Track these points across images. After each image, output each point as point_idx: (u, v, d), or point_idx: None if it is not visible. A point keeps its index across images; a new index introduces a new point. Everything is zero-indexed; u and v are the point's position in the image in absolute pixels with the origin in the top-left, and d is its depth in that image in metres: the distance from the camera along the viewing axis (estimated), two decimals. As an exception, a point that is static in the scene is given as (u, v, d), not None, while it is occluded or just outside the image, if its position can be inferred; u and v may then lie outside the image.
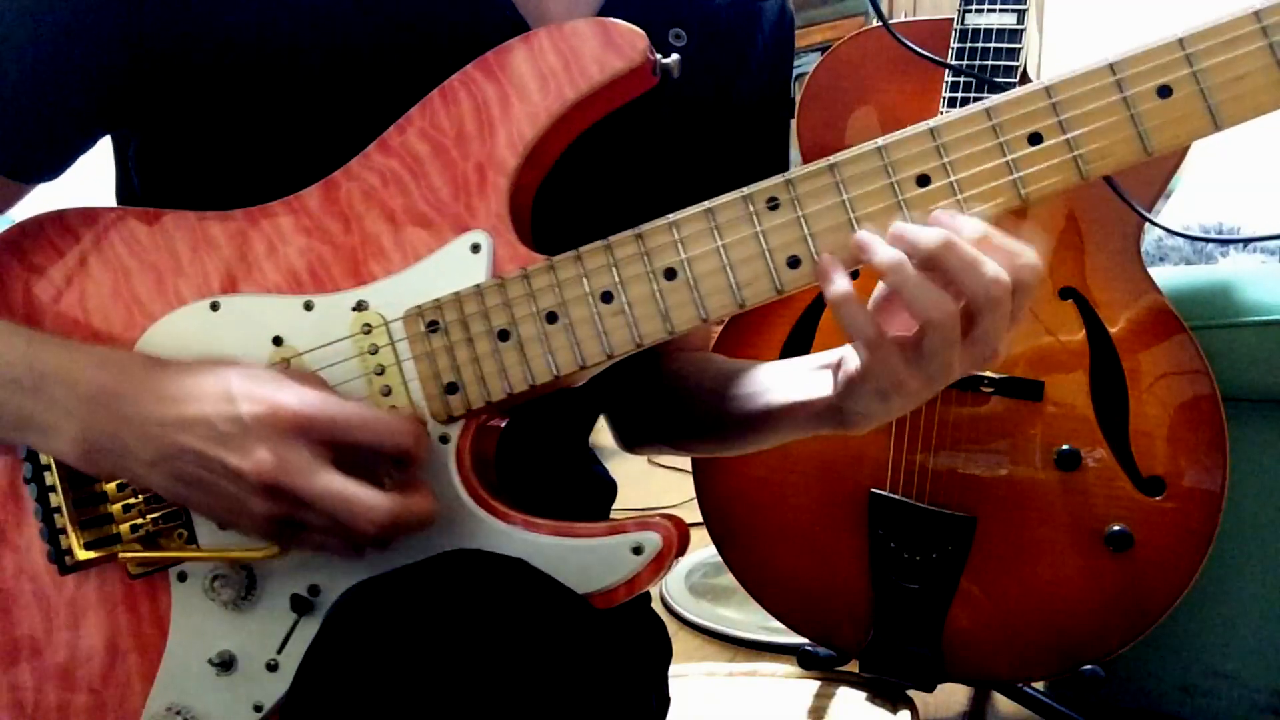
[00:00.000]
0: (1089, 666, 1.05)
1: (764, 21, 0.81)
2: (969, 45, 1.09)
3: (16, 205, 0.71)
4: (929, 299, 0.54)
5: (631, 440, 0.93)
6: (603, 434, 0.94)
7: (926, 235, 0.54)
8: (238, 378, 0.57)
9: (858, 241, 0.56)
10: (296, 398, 0.56)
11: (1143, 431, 1.02)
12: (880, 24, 0.92)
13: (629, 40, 0.60)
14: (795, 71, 0.87)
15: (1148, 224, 1.06)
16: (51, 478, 0.64)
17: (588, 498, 0.90)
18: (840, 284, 0.56)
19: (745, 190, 0.58)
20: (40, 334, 0.64)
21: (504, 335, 0.60)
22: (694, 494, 1.22)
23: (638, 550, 0.58)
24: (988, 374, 1.07)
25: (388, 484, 0.58)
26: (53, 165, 0.68)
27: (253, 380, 0.57)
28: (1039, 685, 1.25)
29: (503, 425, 0.66)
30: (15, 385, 0.60)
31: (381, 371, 0.62)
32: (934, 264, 0.54)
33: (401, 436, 0.57)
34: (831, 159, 0.57)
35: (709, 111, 0.79)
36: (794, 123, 1.23)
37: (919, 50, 0.87)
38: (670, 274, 0.58)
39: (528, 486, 0.66)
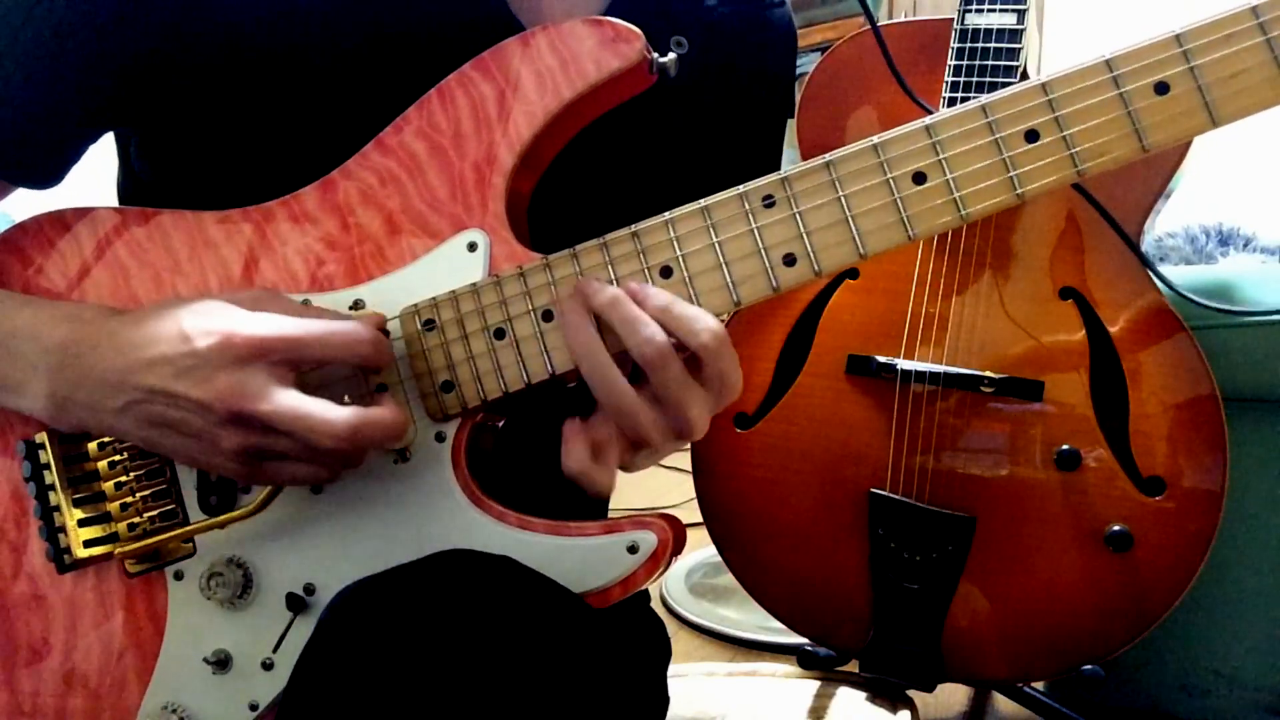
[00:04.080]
0: (1089, 666, 1.04)
1: (768, 33, 0.81)
2: (969, 45, 1.09)
3: (17, 204, 0.71)
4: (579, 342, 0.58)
5: None
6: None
7: (598, 293, 0.57)
8: (189, 314, 0.58)
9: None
10: (249, 324, 0.56)
11: (1143, 431, 1.02)
12: (875, 26, 0.91)
13: (626, 39, 0.60)
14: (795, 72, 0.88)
15: (1148, 224, 1.06)
16: (51, 476, 0.64)
17: (584, 496, 0.90)
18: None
19: (741, 188, 0.58)
20: (6, 292, 0.64)
21: (500, 334, 0.60)
22: (694, 494, 1.22)
23: (633, 549, 0.58)
24: (988, 374, 1.06)
25: (353, 399, 0.58)
26: (50, 167, 0.68)
27: (205, 314, 0.57)
28: (1039, 685, 1.25)
29: (500, 424, 0.66)
30: None
31: (377, 370, 0.62)
32: (602, 319, 0.57)
33: (358, 348, 0.57)
34: (827, 156, 0.57)
35: (708, 117, 0.79)
36: (794, 123, 1.23)
37: (907, 87, 0.87)
38: (666, 272, 0.58)
39: (523, 484, 0.66)
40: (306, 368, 0.58)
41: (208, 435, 0.56)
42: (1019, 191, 0.55)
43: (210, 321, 0.57)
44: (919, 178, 0.56)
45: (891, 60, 0.88)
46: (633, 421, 0.57)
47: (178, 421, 0.57)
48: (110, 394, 0.58)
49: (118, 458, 0.64)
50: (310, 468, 0.57)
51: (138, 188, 0.74)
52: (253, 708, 0.62)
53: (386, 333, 0.61)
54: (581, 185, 0.72)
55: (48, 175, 0.69)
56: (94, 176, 0.80)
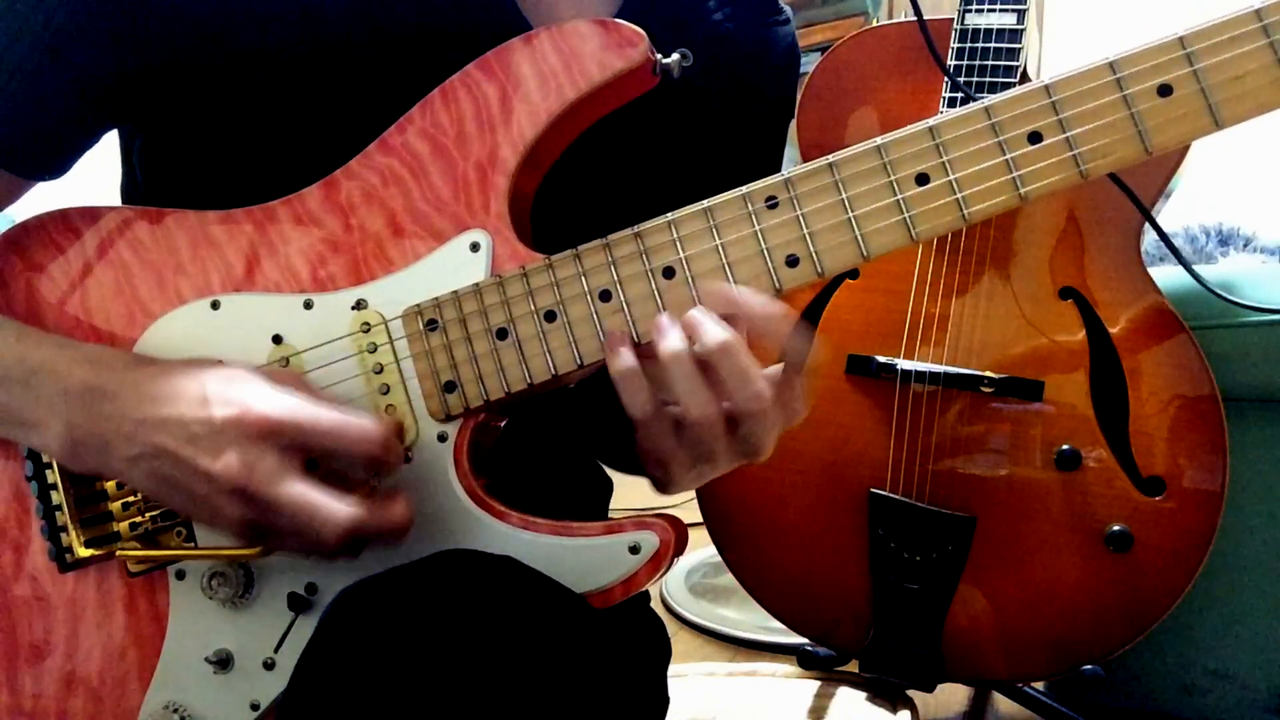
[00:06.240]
0: (1089, 666, 1.05)
1: (772, 50, 0.81)
2: (969, 45, 1.09)
3: (18, 203, 0.71)
4: (694, 398, 0.56)
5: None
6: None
7: (711, 334, 0.55)
8: (214, 379, 0.57)
9: (658, 323, 0.57)
10: (267, 402, 0.56)
11: (1143, 431, 1.02)
12: (921, 17, 0.90)
13: (629, 40, 0.60)
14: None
15: (1148, 223, 1.06)
16: (53, 475, 0.64)
17: (585, 496, 0.90)
18: (625, 359, 0.57)
19: (744, 189, 0.58)
20: (30, 329, 0.64)
21: (502, 334, 0.60)
22: (694, 494, 1.22)
23: (635, 550, 0.58)
24: (988, 374, 1.06)
25: (364, 491, 0.57)
26: (56, 161, 0.69)
27: (228, 383, 0.57)
28: (1039, 685, 1.25)
29: (502, 425, 0.66)
30: (5, 379, 0.61)
31: (380, 370, 0.62)
32: (707, 363, 0.56)
33: (369, 445, 0.56)
34: (830, 158, 0.57)
35: (710, 125, 0.79)
36: (794, 123, 1.23)
37: (954, 78, 0.87)
38: (669, 272, 0.58)
39: (525, 484, 0.66)
40: (316, 454, 0.57)
41: (211, 502, 0.56)
42: (1022, 193, 0.55)
43: (231, 391, 0.56)
44: (922, 179, 0.56)
45: (938, 54, 0.87)
46: (711, 448, 0.57)
47: (182, 484, 0.56)
48: (123, 444, 0.57)
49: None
50: (309, 547, 0.57)
51: (140, 189, 0.74)
52: (254, 707, 0.62)
53: (401, 437, 0.61)
54: (584, 186, 0.72)
55: (51, 170, 0.69)
56: (97, 177, 0.80)
